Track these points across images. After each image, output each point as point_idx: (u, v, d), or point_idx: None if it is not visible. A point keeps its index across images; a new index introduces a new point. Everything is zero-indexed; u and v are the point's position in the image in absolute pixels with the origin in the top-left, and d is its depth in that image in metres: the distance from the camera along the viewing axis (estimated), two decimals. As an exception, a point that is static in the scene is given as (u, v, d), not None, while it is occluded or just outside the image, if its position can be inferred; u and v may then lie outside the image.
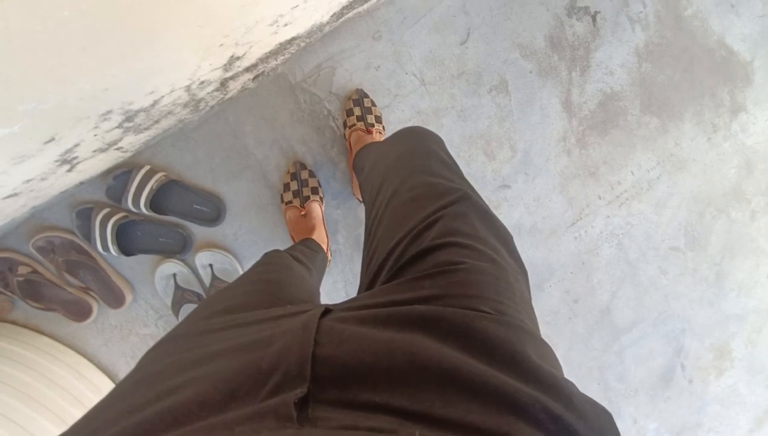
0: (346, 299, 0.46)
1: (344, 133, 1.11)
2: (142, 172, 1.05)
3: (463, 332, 0.36)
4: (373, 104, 1.11)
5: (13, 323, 1.15)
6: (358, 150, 0.96)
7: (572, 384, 0.36)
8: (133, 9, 0.48)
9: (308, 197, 1.10)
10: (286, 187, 1.11)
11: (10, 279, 1.09)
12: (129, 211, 1.08)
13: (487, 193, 1.20)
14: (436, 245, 0.46)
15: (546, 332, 1.33)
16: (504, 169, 1.20)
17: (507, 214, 1.23)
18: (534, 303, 1.33)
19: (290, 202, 1.11)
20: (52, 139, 0.71)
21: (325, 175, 1.14)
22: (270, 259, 0.77)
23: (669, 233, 1.33)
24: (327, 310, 0.40)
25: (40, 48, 0.44)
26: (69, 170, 0.92)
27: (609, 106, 1.21)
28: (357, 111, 1.08)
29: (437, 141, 0.67)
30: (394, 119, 1.13)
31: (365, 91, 1.11)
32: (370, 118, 1.08)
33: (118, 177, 1.06)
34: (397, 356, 0.33)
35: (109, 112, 0.73)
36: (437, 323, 0.37)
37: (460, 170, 0.61)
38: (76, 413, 1.02)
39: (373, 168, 0.70)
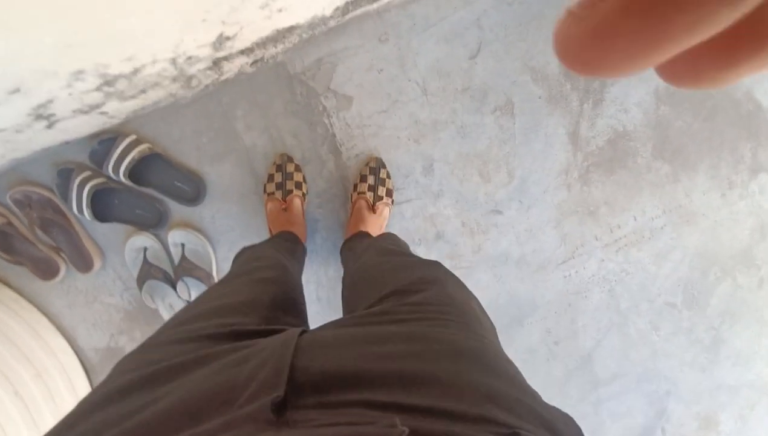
0: (317, 306, 0.50)
1: (351, 195, 1.11)
2: (127, 140, 1.04)
3: (435, 340, 0.39)
4: (389, 176, 1.10)
5: (-17, 271, 1.15)
6: (349, 239, 1.02)
7: (533, 392, 0.39)
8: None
9: (291, 191, 1.07)
10: (270, 178, 1.09)
11: (-16, 227, 1.09)
12: (109, 177, 1.07)
13: (476, 215, 1.15)
14: (414, 289, 0.52)
15: (520, 370, 1.26)
16: (498, 194, 1.15)
17: (495, 241, 1.17)
18: (511, 339, 1.31)
19: (272, 193, 1.08)
20: (17, 91, 0.69)
21: (311, 172, 1.11)
22: (263, 257, 0.78)
23: (667, 287, 1.25)
24: (304, 331, 0.41)
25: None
26: (48, 127, 0.91)
27: (619, 145, 1.15)
28: (370, 180, 1.08)
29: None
30: (390, 125, 1.09)
31: (384, 161, 1.10)
32: (381, 191, 1.08)
33: (103, 142, 1.05)
34: (374, 362, 0.34)
35: (80, 72, 0.71)
36: (411, 337, 0.39)
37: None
38: (21, 371, 1.01)
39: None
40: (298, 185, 1.08)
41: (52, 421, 1.05)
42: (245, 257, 0.81)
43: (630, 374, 1.31)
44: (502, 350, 0.46)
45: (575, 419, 0.38)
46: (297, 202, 1.08)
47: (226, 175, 1.10)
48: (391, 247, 0.82)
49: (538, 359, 1.27)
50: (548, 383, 1.29)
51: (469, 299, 0.54)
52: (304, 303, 0.71)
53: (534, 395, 0.37)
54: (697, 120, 1.15)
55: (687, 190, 1.19)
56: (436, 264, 0.64)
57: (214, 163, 1.09)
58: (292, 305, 0.63)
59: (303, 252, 1.02)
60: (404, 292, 0.52)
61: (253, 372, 0.33)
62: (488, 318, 0.55)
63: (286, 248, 0.92)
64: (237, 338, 0.43)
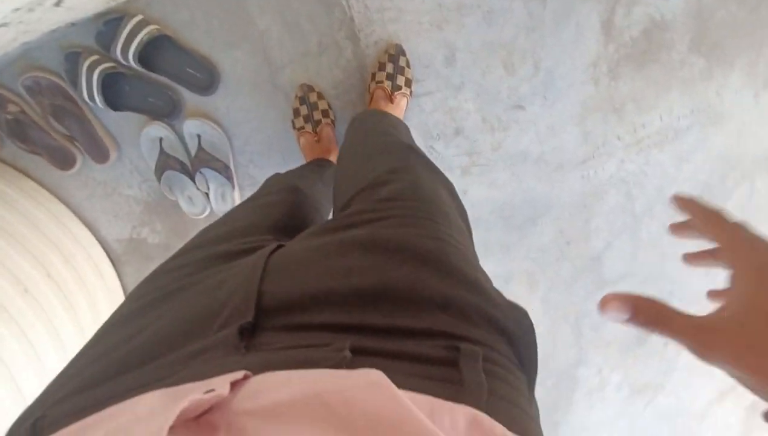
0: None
1: (369, 85, 1.06)
2: (134, 21, 0.98)
3: (395, 248, 0.39)
4: (408, 65, 1.05)
5: (2, 161, 1.15)
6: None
7: (493, 288, 0.41)
8: None
9: (319, 121, 1.07)
10: (296, 112, 1.07)
11: (-2, 115, 1.07)
12: (118, 61, 1.03)
13: (498, 110, 1.11)
14: (383, 181, 0.52)
15: (529, 269, 1.30)
16: (522, 88, 1.10)
17: (515, 138, 1.15)
18: (524, 238, 1.34)
19: (302, 127, 1.07)
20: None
21: (328, 61, 1.06)
22: (271, 184, 0.78)
23: (684, 190, 1.25)
24: (280, 245, 0.43)
25: None
26: (56, 4, 0.86)
27: (654, 37, 1.08)
28: (389, 68, 1.03)
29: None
30: (411, 9, 1.02)
31: (404, 48, 1.04)
32: (400, 80, 1.03)
33: (109, 23, 0.99)
34: (335, 281, 0.36)
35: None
36: (372, 244, 0.40)
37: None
38: (51, 256, 1.05)
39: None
40: (325, 113, 1.08)
41: (85, 303, 1.10)
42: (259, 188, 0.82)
43: (637, 275, 1.35)
44: (465, 244, 0.46)
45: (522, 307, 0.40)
46: (327, 130, 1.08)
47: (240, 63, 1.06)
48: (366, 126, 0.78)
49: (548, 258, 1.30)
50: (556, 282, 1.34)
51: (438, 189, 0.53)
52: (318, 217, 0.73)
53: (489, 296, 0.38)
54: (743, 10, 1.07)
55: (719, 89, 1.14)
56: (407, 149, 0.62)
57: (227, 49, 1.04)
58: (297, 224, 0.64)
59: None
60: (373, 186, 0.52)
61: (226, 298, 0.36)
62: (458, 207, 0.54)
63: (311, 170, 0.94)
64: (225, 259, 0.46)
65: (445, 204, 0.51)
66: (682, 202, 0.33)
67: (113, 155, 1.12)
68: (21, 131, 1.10)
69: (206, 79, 1.05)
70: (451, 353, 0.31)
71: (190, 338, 0.33)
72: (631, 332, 1.44)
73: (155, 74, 1.05)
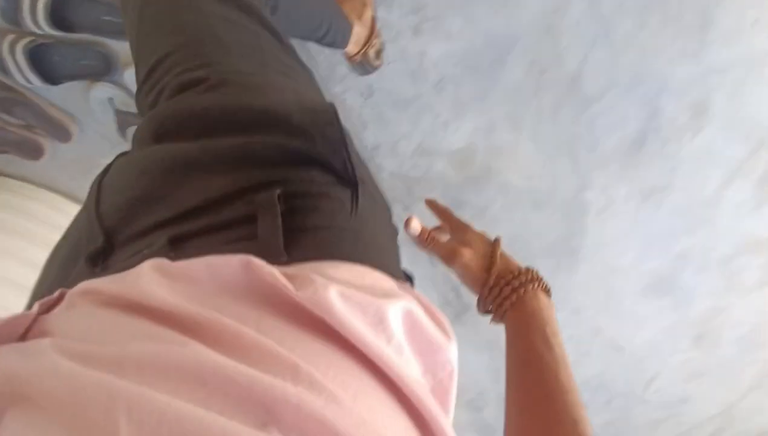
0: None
1: None
2: (28, -18, 0.92)
3: (177, 122, 0.38)
4: None
5: (-23, 170, 1.17)
6: None
7: (293, 101, 0.39)
8: None
9: None
10: None
11: (-50, 127, 1.08)
12: (34, 33, 0.99)
13: (429, -48, 1.03)
14: (148, 42, 0.47)
15: (510, 112, 1.29)
16: None
17: (457, -22, 1.07)
18: (496, 81, 1.27)
19: None
20: None
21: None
22: None
23: (648, -25, 1.16)
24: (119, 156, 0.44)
25: None
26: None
27: None
28: None
29: None
30: None
31: None
32: None
33: (6, -7, 0.94)
34: (143, 180, 0.36)
35: None
36: (158, 126, 0.39)
37: None
38: (62, 239, 1.10)
39: None
40: None
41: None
42: None
43: (620, 83, 1.32)
44: (255, 64, 0.43)
45: (328, 106, 0.38)
46: None
47: (151, -9, 1.00)
48: None
49: (526, 94, 1.27)
50: (540, 117, 1.33)
51: (209, 7, 0.45)
52: None
53: (287, 123, 0.36)
54: None
55: None
56: None
57: (132, -20, 0.98)
58: None
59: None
60: (138, 53, 0.48)
61: (82, 229, 0.38)
62: (249, 11, 0.46)
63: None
64: None
65: (219, 22, 0.44)
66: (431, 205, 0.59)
67: (74, 130, 1.12)
68: (-20, 136, 1.10)
69: (126, 21, 1.00)
70: (251, 208, 0.32)
71: (67, 275, 0.36)
72: (627, 140, 1.44)
73: (76, 34, 1.01)
